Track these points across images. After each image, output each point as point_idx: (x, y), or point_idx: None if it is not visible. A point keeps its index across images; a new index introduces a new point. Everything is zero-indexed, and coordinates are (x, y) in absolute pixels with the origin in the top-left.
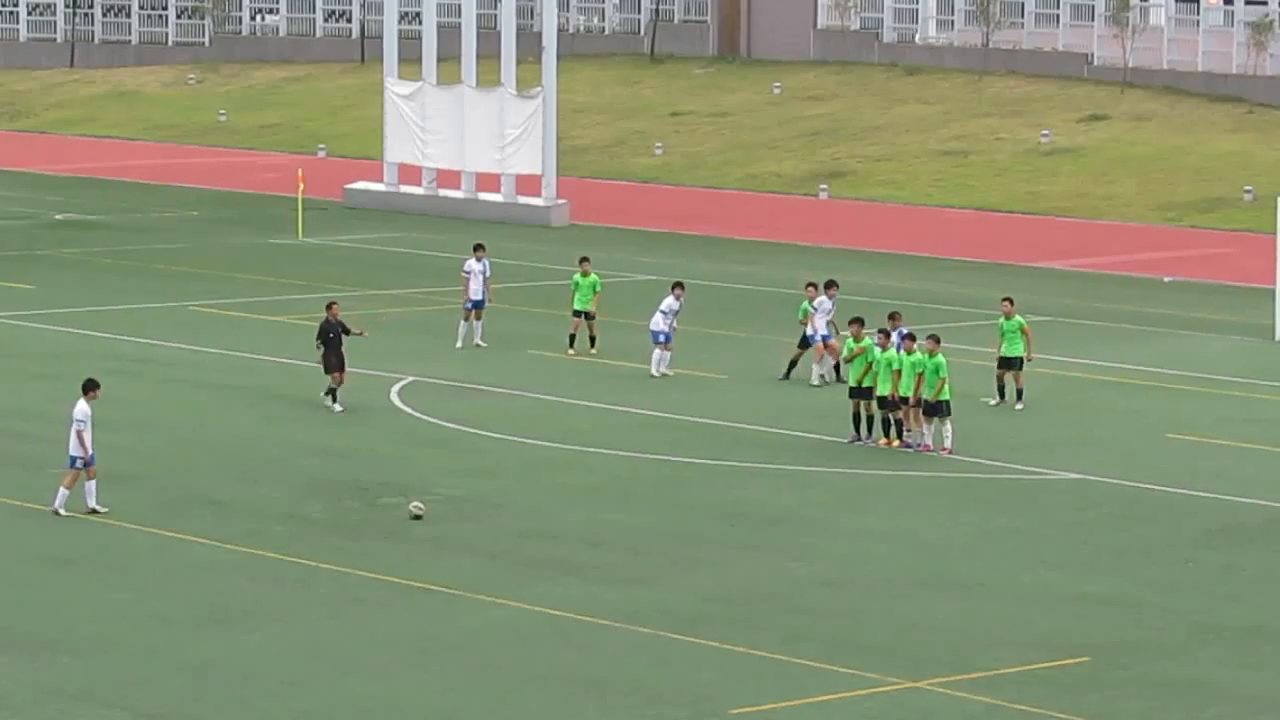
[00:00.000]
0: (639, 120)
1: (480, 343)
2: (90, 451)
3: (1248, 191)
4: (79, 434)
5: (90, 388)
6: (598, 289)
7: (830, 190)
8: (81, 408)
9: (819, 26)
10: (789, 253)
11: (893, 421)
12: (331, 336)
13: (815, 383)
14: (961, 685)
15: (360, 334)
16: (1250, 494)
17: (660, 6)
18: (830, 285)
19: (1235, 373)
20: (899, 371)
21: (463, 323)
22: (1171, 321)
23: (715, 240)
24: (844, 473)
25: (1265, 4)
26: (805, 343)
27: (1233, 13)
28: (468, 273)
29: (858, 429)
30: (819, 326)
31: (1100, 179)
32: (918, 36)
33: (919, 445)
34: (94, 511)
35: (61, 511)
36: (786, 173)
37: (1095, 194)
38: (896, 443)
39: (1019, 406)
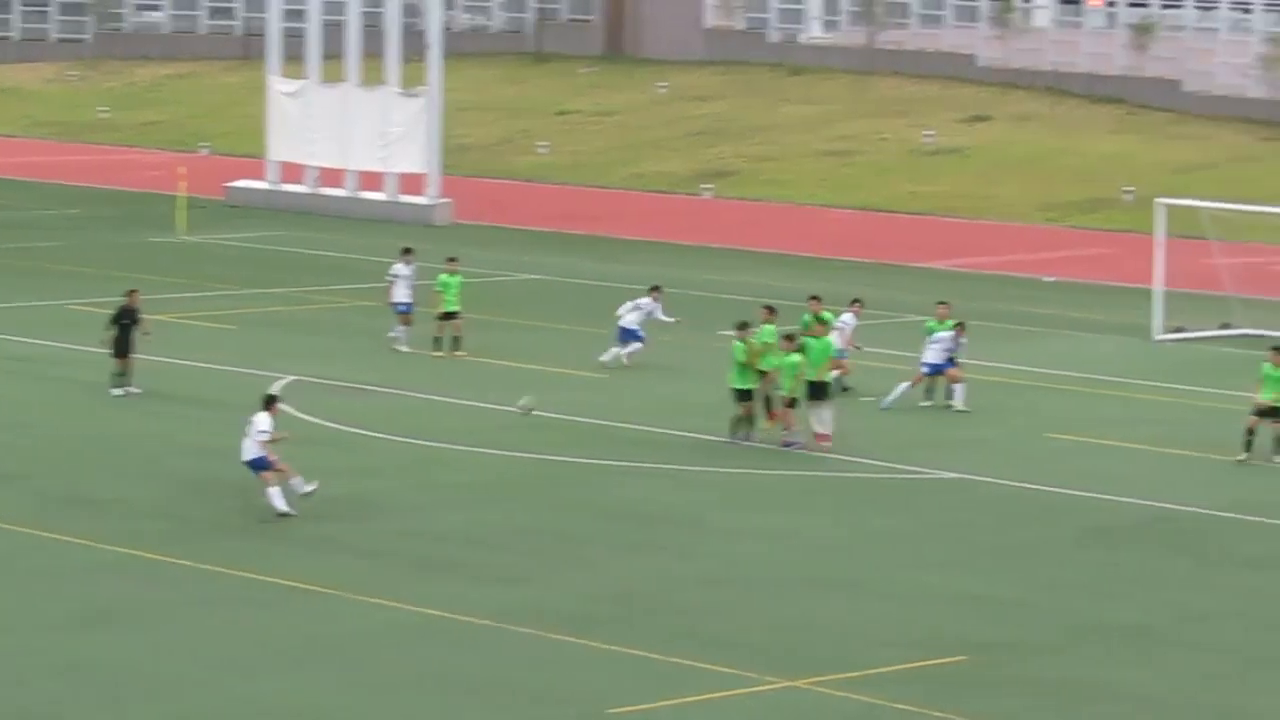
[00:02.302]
0: (524, 119)
1: (402, 348)
2: None
3: (1128, 192)
4: None
5: None
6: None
7: (715, 190)
8: None
9: (705, 26)
10: (674, 252)
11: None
12: (125, 323)
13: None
14: (841, 684)
15: (146, 333)
16: (1128, 493)
17: (546, 5)
18: (854, 302)
19: (1114, 373)
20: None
21: (400, 327)
22: (1052, 321)
23: (600, 239)
24: (726, 472)
25: (1147, 5)
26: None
27: (1114, 14)
28: (394, 276)
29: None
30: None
31: (983, 179)
32: (803, 36)
33: (798, 444)
34: None
35: None
36: (672, 172)
37: (978, 194)
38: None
39: (960, 407)
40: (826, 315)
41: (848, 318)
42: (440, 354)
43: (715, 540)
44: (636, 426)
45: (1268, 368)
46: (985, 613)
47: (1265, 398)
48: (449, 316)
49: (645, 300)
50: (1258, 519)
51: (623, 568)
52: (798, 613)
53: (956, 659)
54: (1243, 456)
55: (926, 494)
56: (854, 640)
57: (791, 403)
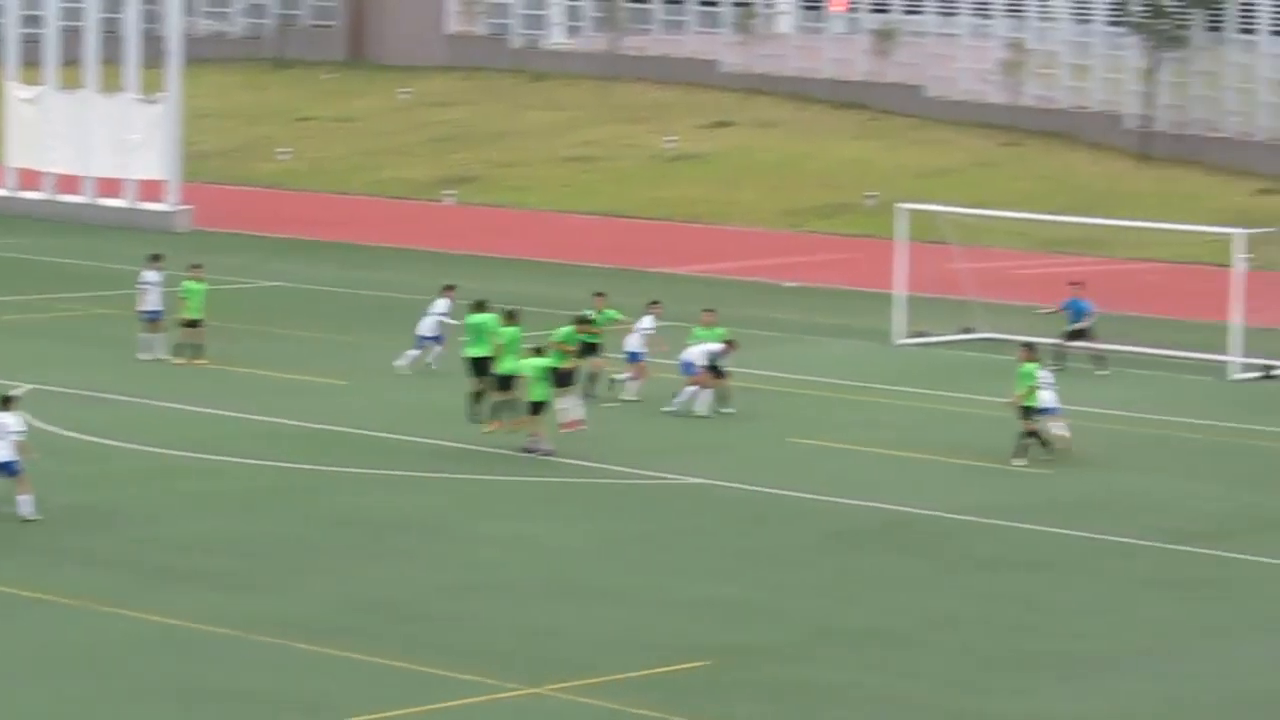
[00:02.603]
0: (265, 125)
1: (164, 356)
2: None
3: (870, 197)
4: None
5: None
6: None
7: (458, 196)
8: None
9: (447, 32)
10: (416, 259)
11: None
12: None
13: (629, 396)
14: (583, 690)
15: None
16: (869, 497)
17: (287, 11)
18: (653, 304)
19: (855, 377)
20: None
21: (143, 334)
22: (793, 326)
23: (342, 246)
24: (467, 478)
25: (888, 11)
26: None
27: (857, 20)
28: (145, 284)
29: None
30: (634, 344)
31: (726, 185)
32: (546, 42)
33: (542, 450)
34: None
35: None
36: (413, 178)
37: (721, 200)
38: (499, 425)
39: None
40: (592, 314)
41: (648, 320)
42: (181, 361)
43: (457, 547)
44: (378, 434)
45: (1020, 367)
46: (727, 617)
47: (1025, 397)
48: (192, 324)
49: (441, 301)
50: (994, 522)
51: (365, 575)
52: (540, 619)
53: (698, 663)
54: (1021, 463)
55: (668, 499)
56: (596, 646)
57: (535, 408)
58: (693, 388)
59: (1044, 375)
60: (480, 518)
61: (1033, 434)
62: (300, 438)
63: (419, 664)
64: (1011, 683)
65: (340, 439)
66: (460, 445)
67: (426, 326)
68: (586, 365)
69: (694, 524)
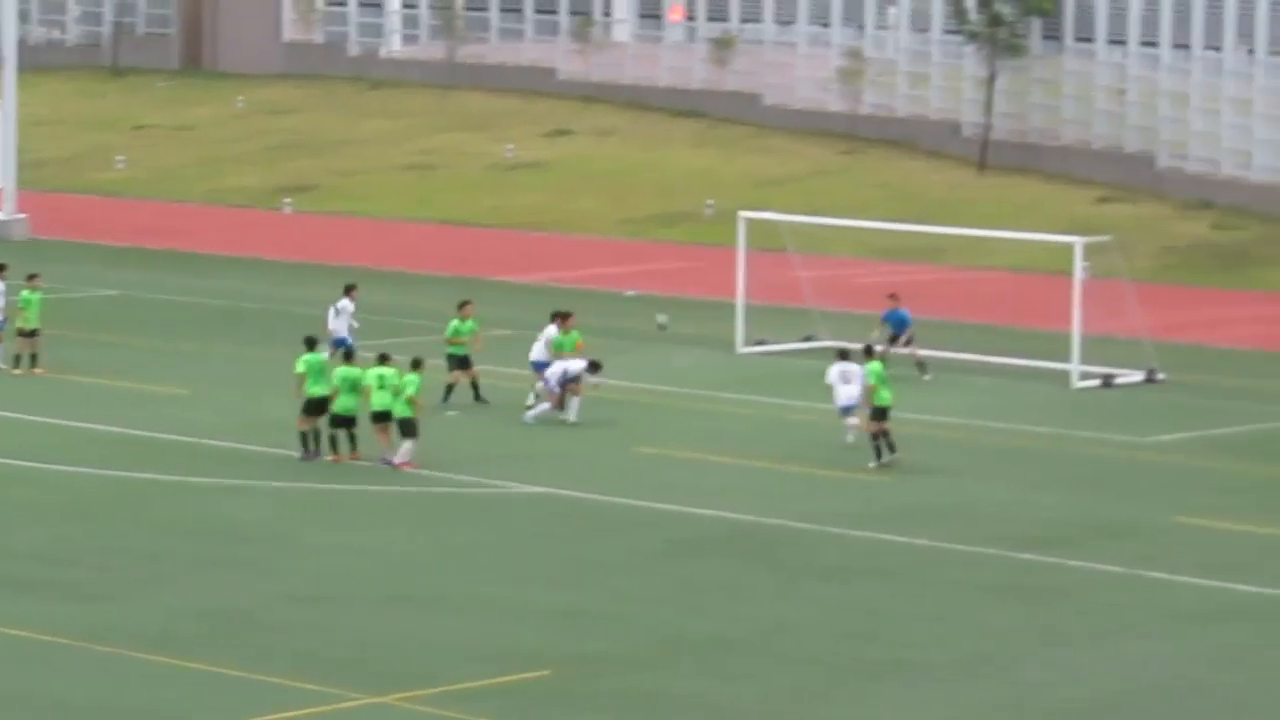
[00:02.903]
0: (102, 133)
1: (1, 366)
2: None
3: (709, 206)
4: None
5: None
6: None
7: (295, 204)
8: None
9: (284, 39)
10: (255, 267)
11: (348, 436)
12: None
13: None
14: (426, 700)
15: None
16: (713, 506)
17: (123, 19)
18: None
19: (698, 385)
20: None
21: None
22: (635, 335)
23: (179, 254)
24: (311, 488)
25: (726, 20)
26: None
27: (695, 29)
28: None
29: (305, 445)
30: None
31: (565, 193)
32: (383, 50)
33: (391, 461)
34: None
35: None
36: (251, 187)
37: (560, 208)
38: (348, 456)
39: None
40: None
41: (552, 329)
42: (19, 371)
43: (301, 557)
44: (221, 443)
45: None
46: (571, 626)
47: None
48: (29, 334)
49: (344, 302)
50: (837, 530)
51: (208, 585)
52: (383, 629)
53: (541, 673)
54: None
55: (512, 509)
56: (440, 655)
57: (378, 418)
58: (545, 405)
59: (850, 369)
60: (323, 527)
61: (882, 434)
62: (142, 447)
63: (262, 673)
64: (854, 690)
65: (183, 448)
66: (327, 458)
67: (338, 327)
68: (464, 377)
69: (537, 533)
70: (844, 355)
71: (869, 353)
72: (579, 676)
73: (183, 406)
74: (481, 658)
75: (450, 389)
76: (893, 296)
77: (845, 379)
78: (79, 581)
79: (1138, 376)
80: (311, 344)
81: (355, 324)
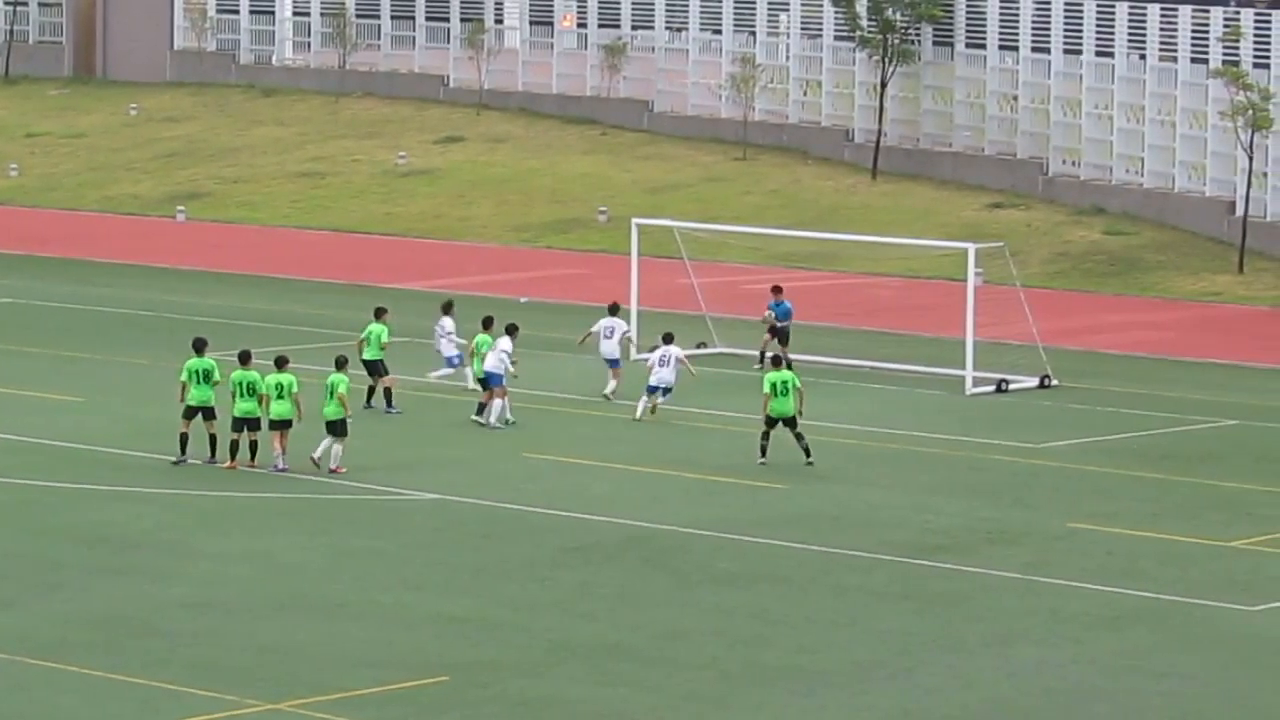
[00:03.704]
0: None
1: None
2: None
3: (602, 212)
4: None
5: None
6: None
7: (188, 212)
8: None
9: (176, 48)
10: (147, 275)
11: (248, 444)
12: None
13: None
14: (321, 706)
15: None
16: (606, 512)
17: (15, 27)
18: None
19: (590, 392)
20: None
21: None
22: (528, 342)
23: (72, 262)
24: (203, 495)
25: (618, 27)
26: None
27: (586, 35)
28: None
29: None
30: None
31: (457, 200)
32: (275, 58)
33: (280, 467)
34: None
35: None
36: (144, 194)
37: (452, 215)
38: (248, 464)
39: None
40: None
41: (506, 341)
42: None
43: (195, 564)
44: (114, 450)
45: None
46: (466, 633)
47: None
48: None
49: (445, 320)
50: (731, 536)
51: (103, 592)
52: (278, 635)
53: (438, 679)
54: (761, 461)
55: (404, 515)
56: (335, 662)
57: (275, 424)
58: (499, 400)
59: (669, 352)
60: (216, 534)
61: (767, 436)
62: (35, 455)
63: (157, 680)
64: (749, 697)
65: (77, 456)
66: (196, 461)
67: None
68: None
69: (430, 539)
70: (668, 340)
71: (778, 363)
72: (475, 683)
73: (76, 414)
74: (377, 664)
75: (371, 393)
76: (776, 289)
77: (663, 361)
78: None
79: (1031, 382)
80: (341, 364)
81: (459, 340)
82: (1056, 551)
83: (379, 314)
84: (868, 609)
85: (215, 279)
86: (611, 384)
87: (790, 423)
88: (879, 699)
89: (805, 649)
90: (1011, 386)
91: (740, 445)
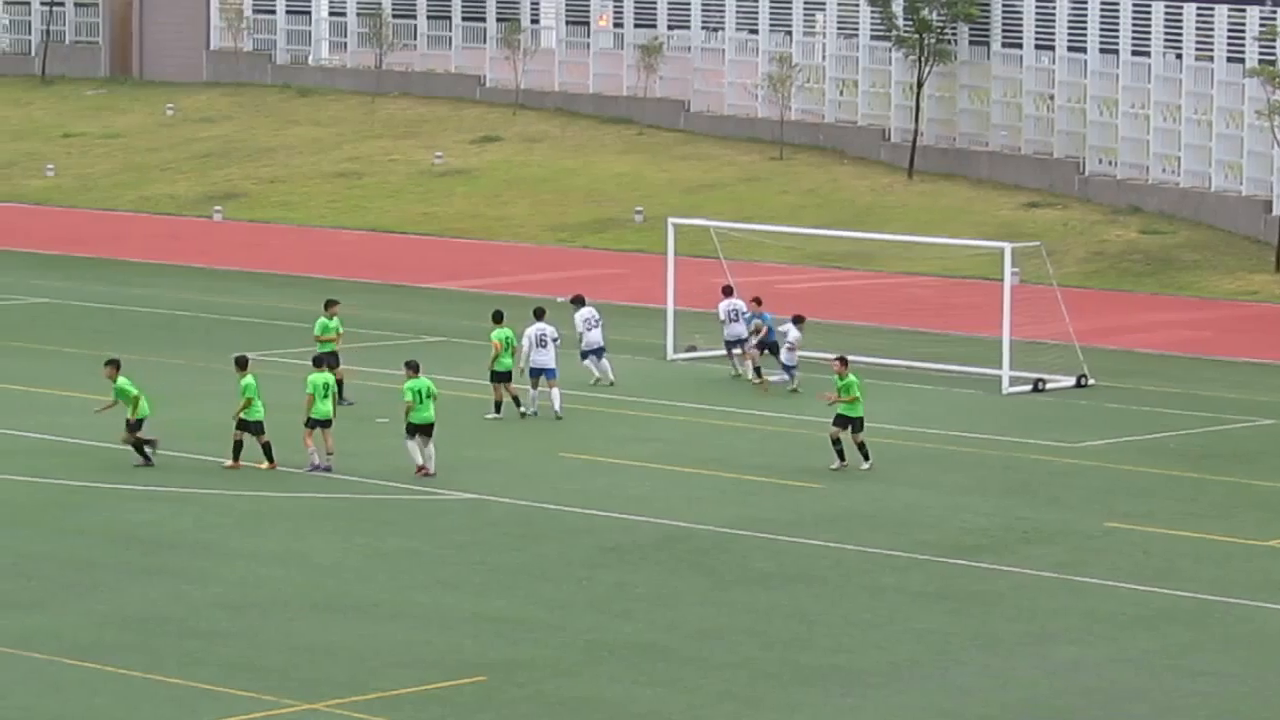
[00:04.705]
0: (30, 141)
1: None
2: None
3: (638, 212)
4: None
5: None
6: None
7: (225, 212)
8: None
9: (212, 48)
10: (183, 275)
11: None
12: None
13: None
14: (358, 706)
15: None
16: (643, 512)
17: (51, 27)
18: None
19: (628, 392)
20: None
21: None
22: (565, 342)
23: (108, 262)
24: (239, 495)
25: (654, 27)
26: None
27: (623, 35)
28: None
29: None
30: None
31: (494, 200)
32: (311, 58)
33: (322, 465)
34: None
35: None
36: (180, 195)
37: (489, 215)
38: (262, 465)
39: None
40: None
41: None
42: None
43: (231, 564)
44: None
45: (835, 379)
46: (503, 632)
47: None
48: None
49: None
50: (768, 536)
51: (139, 593)
52: (315, 635)
53: (475, 679)
54: (836, 465)
55: (441, 515)
56: (372, 662)
57: (311, 424)
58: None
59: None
60: (253, 534)
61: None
62: (72, 454)
63: (193, 680)
64: (786, 697)
65: (113, 455)
66: (228, 463)
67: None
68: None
69: (468, 539)
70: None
71: (844, 362)
72: (513, 683)
73: (111, 414)
74: (414, 664)
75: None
76: (756, 300)
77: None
78: (8, 590)
79: (1068, 381)
80: (415, 368)
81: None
82: (1093, 551)
83: (329, 306)
84: (904, 609)
85: (252, 279)
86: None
87: (858, 426)
88: (916, 698)
89: (842, 649)
90: (1048, 386)
91: (775, 445)
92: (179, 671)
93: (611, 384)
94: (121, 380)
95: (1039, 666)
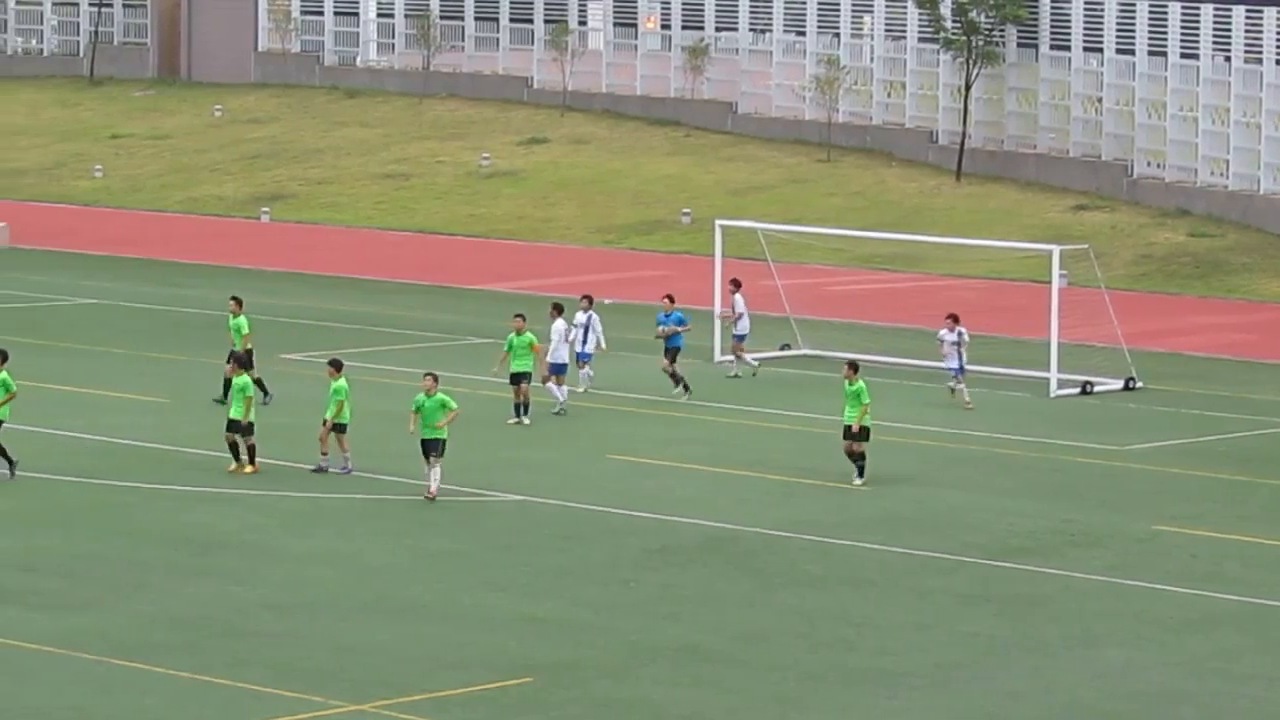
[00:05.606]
0: (78, 142)
1: None
2: None
3: (685, 214)
4: None
5: None
6: None
7: (272, 213)
8: None
9: (260, 49)
10: (231, 276)
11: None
12: None
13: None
14: (405, 707)
15: None
16: (688, 514)
17: (99, 28)
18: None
19: (672, 393)
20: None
21: None
22: (611, 343)
23: (157, 263)
24: (287, 496)
25: (702, 29)
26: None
27: (670, 37)
28: None
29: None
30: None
31: (541, 201)
32: (359, 59)
33: (333, 468)
34: None
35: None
36: (228, 195)
37: (536, 216)
38: (249, 468)
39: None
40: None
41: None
42: None
43: (278, 565)
44: (197, 451)
45: (845, 385)
46: (549, 634)
47: (849, 418)
48: None
49: (582, 316)
50: (814, 538)
51: (186, 593)
52: (362, 636)
53: (522, 680)
54: (859, 481)
55: (487, 516)
56: (419, 663)
57: (340, 429)
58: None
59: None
60: (301, 535)
61: (857, 455)
62: (121, 455)
63: (242, 681)
64: (833, 699)
65: (160, 456)
66: (281, 463)
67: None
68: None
69: (514, 540)
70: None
71: (855, 369)
72: (559, 685)
73: (162, 415)
74: (461, 665)
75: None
76: (669, 298)
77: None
78: (58, 590)
79: (1116, 384)
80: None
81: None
82: (1141, 554)
83: (240, 304)
84: (951, 611)
85: (299, 280)
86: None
87: (863, 435)
88: (962, 701)
89: (888, 651)
90: (1096, 389)
91: (820, 447)
92: (226, 672)
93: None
94: (338, 381)
95: (1086, 670)
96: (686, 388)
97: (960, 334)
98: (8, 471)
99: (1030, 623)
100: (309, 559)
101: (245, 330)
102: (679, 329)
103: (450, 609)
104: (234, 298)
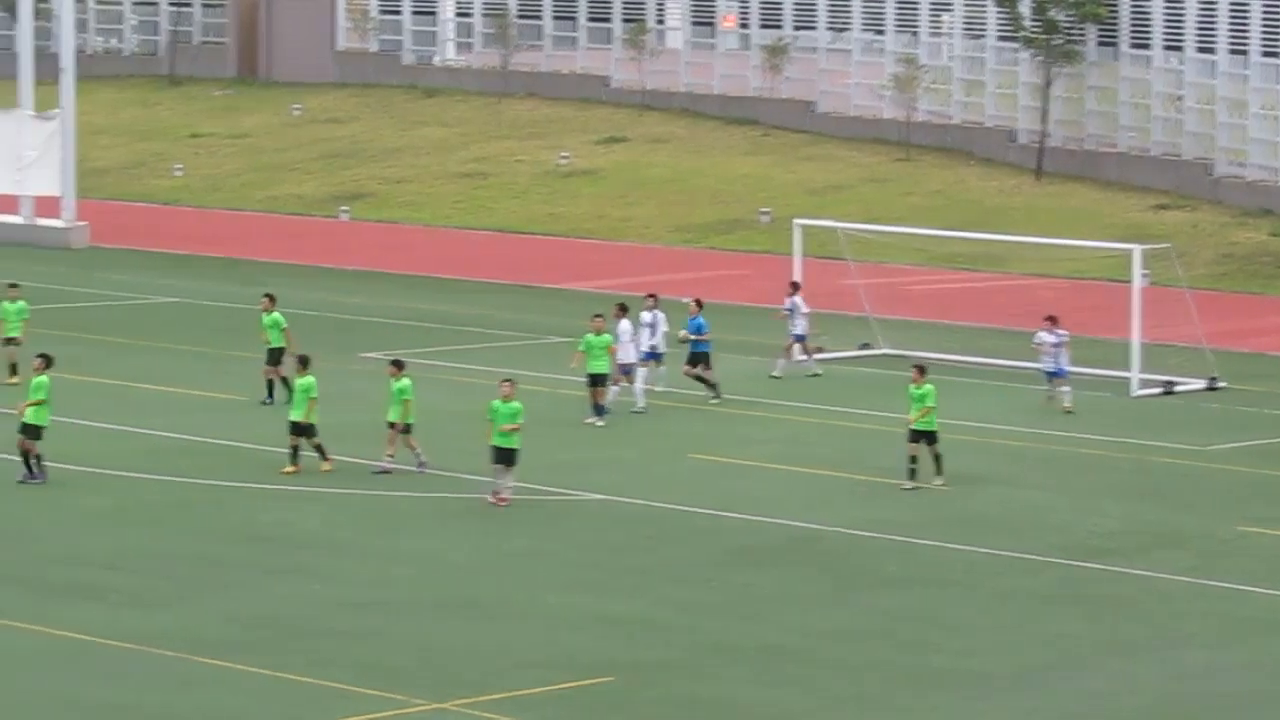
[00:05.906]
0: (158, 142)
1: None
2: None
3: (764, 213)
4: None
5: None
6: (25, 315)
7: (351, 212)
8: None
9: (338, 48)
10: (311, 275)
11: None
12: None
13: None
14: (487, 706)
15: None
16: (770, 514)
17: (179, 28)
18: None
19: (755, 394)
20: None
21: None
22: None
23: (237, 262)
24: (368, 494)
25: (780, 27)
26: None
27: (748, 36)
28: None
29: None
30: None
31: (619, 200)
32: (437, 59)
33: (420, 466)
34: None
35: None
36: (307, 194)
37: (614, 215)
38: (325, 465)
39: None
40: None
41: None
42: (15, 380)
43: (360, 564)
44: (277, 450)
45: (911, 388)
46: (631, 633)
47: (914, 421)
48: (10, 342)
49: (645, 315)
50: (896, 538)
51: (268, 592)
52: (444, 635)
53: (604, 679)
54: (910, 486)
55: (570, 515)
56: (501, 662)
57: (406, 428)
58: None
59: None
60: (383, 534)
61: (915, 457)
62: (201, 453)
63: (323, 679)
64: (915, 699)
65: (242, 455)
66: (361, 461)
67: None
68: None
69: (596, 540)
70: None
71: (920, 370)
72: (641, 684)
73: (243, 413)
74: (542, 664)
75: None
76: (697, 302)
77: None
78: (141, 587)
79: (1199, 384)
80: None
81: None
82: (1225, 555)
83: (273, 300)
84: (1034, 612)
85: (378, 279)
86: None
87: (932, 439)
88: (1046, 702)
89: (971, 652)
90: (1179, 389)
91: (899, 446)
92: (308, 670)
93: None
94: (401, 381)
95: (1170, 671)
96: (717, 393)
97: (1061, 336)
98: (40, 478)
99: (1114, 624)
100: (390, 557)
101: (283, 325)
102: (695, 336)
103: (531, 608)
104: (267, 294)
